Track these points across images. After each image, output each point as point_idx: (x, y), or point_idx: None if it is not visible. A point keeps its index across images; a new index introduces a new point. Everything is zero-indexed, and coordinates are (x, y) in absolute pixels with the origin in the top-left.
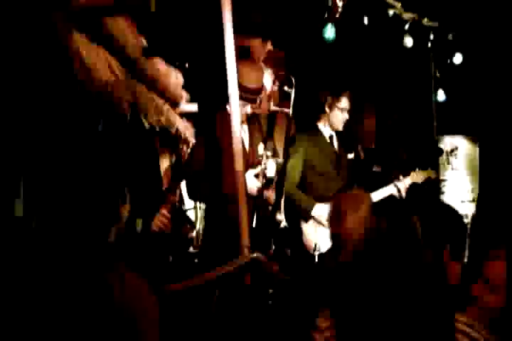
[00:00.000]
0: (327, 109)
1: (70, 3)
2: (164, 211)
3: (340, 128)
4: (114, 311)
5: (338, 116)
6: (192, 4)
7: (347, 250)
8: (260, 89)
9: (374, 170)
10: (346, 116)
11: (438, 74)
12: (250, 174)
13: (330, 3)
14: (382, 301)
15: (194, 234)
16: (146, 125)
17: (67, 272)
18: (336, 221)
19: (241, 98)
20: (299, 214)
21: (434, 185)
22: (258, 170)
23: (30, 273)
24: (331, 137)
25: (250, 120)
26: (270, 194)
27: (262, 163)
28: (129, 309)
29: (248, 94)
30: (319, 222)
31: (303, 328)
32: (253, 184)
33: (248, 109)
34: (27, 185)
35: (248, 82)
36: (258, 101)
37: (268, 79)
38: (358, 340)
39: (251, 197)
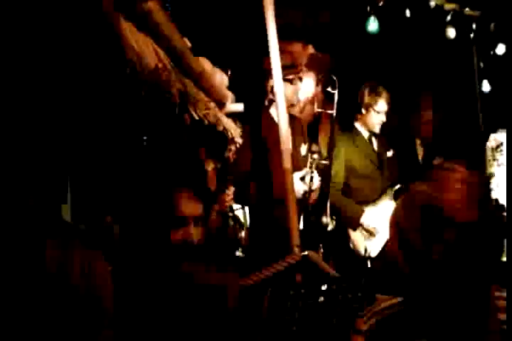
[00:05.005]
0: (363, 111)
1: None
2: (213, 212)
3: (377, 130)
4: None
5: (374, 118)
6: (234, 8)
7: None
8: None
9: (436, 162)
10: (383, 118)
11: (482, 65)
12: (296, 177)
13: None
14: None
15: (243, 234)
16: (196, 117)
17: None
18: None
19: None
20: (347, 223)
21: None
22: (303, 172)
23: None
24: (369, 137)
25: (292, 122)
26: (316, 196)
27: (308, 165)
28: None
29: None
30: (368, 231)
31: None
32: (299, 187)
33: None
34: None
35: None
36: (301, 105)
37: (311, 82)
38: None
39: (297, 200)
